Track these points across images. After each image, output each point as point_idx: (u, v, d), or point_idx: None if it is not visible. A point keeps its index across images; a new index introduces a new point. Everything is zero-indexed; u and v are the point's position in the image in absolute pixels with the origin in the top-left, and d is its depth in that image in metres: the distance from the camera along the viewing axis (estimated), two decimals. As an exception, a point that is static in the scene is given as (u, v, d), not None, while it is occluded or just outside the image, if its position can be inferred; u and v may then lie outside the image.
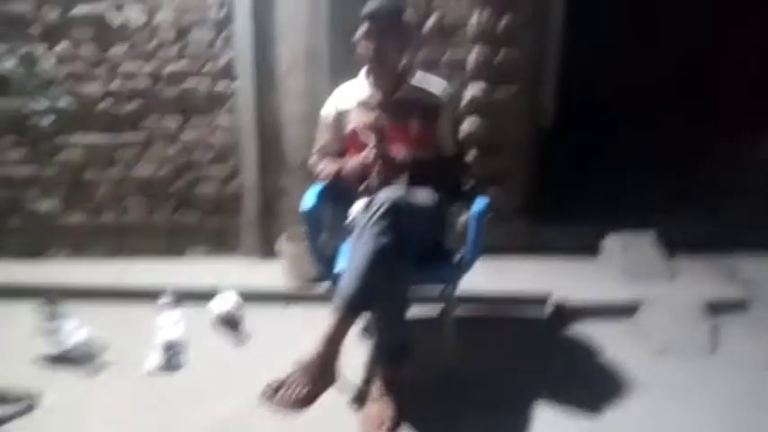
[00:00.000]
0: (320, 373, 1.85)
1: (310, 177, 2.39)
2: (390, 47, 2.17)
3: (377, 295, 1.91)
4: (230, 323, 2.58)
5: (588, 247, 3.18)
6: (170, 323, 2.36)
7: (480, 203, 2.18)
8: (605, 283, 2.90)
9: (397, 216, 1.91)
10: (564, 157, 3.63)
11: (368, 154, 2.09)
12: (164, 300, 2.49)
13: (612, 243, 3.14)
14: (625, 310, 2.70)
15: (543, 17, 2.98)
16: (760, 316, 2.74)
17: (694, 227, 3.27)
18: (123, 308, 2.74)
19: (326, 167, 2.32)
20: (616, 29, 4.86)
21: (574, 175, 3.89)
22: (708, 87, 3.78)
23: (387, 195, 1.95)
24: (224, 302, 2.64)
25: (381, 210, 1.91)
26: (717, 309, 2.70)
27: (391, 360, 2.03)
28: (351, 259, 1.94)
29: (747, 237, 3.13)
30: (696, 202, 3.50)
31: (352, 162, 2.20)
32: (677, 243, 3.13)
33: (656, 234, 3.15)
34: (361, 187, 2.18)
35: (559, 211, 3.27)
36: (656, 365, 2.38)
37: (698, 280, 2.94)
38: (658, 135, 4.23)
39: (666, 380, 2.28)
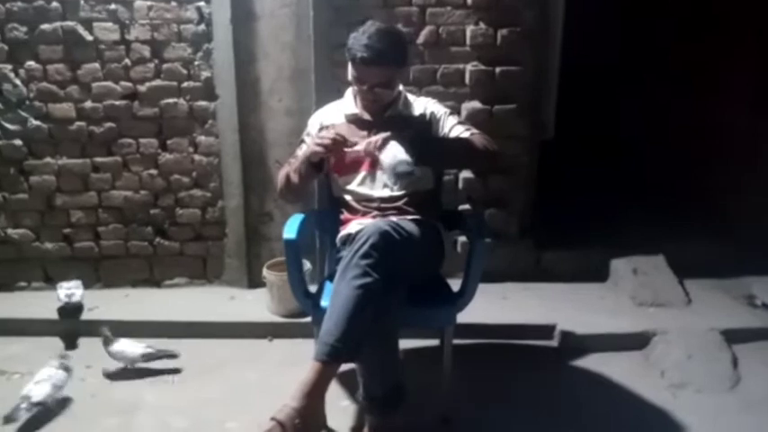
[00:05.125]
0: (300, 429, 1.60)
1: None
2: (383, 85, 1.94)
3: (363, 341, 1.69)
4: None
5: (594, 272, 3.00)
6: (42, 378, 2.09)
7: (482, 229, 2.00)
8: (614, 312, 2.71)
9: (384, 251, 1.69)
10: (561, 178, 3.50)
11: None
12: (53, 359, 2.20)
13: (621, 267, 2.95)
14: (637, 341, 2.52)
15: (544, 30, 2.81)
16: (783, 346, 2.55)
17: (705, 249, 3.08)
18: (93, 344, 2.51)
19: (283, 169, 2.06)
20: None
21: (572, 196, 3.72)
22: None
23: (373, 227, 1.73)
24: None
25: (367, 244, 1.69)
26: (736, 338, 2.51)
27: (382, 408, 1.83)
28: (333, 301, 1.72)
29: (762, 260, 2.94)
30: (703, 224, 3.32)
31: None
32: (687, 267, 2.94)
33: (665, 257, 2.97)
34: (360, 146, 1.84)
35: (562, 233, 3.09)
36: (673, 402, 2.20)
37: (713, 306, 2.75)
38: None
39: (684, 419, 2.10)
